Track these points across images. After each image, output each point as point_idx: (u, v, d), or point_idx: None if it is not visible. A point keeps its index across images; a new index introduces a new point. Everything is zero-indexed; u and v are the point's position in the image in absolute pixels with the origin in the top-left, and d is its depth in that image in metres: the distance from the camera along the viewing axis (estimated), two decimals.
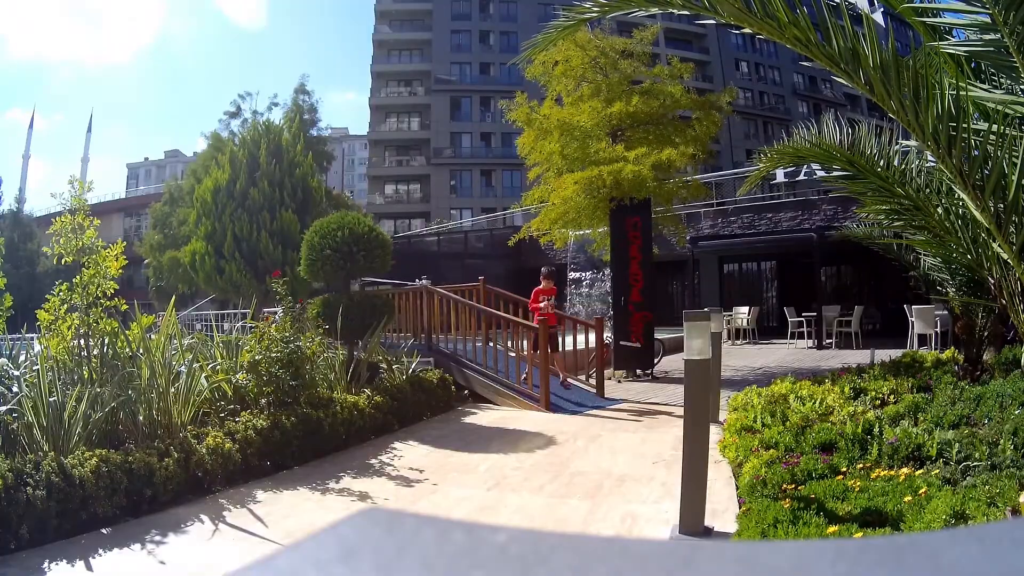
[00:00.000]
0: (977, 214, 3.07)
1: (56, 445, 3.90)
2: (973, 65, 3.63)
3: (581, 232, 11.50)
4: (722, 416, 5.69)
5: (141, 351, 4.75)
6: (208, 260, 18.99)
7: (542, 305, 8.04)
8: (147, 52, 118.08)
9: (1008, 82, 3.40)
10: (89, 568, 3.14)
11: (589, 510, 3.78)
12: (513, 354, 8.12)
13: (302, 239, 7.21)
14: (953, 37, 3.59)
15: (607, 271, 11.34)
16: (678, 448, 3.81)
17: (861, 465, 3.73)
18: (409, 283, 9.80)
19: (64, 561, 3.19)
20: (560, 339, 8.39)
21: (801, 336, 13.55)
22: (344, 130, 58.19)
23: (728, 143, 39.88)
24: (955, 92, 2.94)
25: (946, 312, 9.60)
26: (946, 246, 3.88)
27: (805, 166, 14.55)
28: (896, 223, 4.81)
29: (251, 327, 6.23)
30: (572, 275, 14.18)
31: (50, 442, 3.93)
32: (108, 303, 4.70)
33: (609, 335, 9.28)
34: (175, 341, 5.39)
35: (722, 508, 3.58)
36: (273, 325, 5.70)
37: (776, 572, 0.28)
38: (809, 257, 14.36)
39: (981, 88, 3.44)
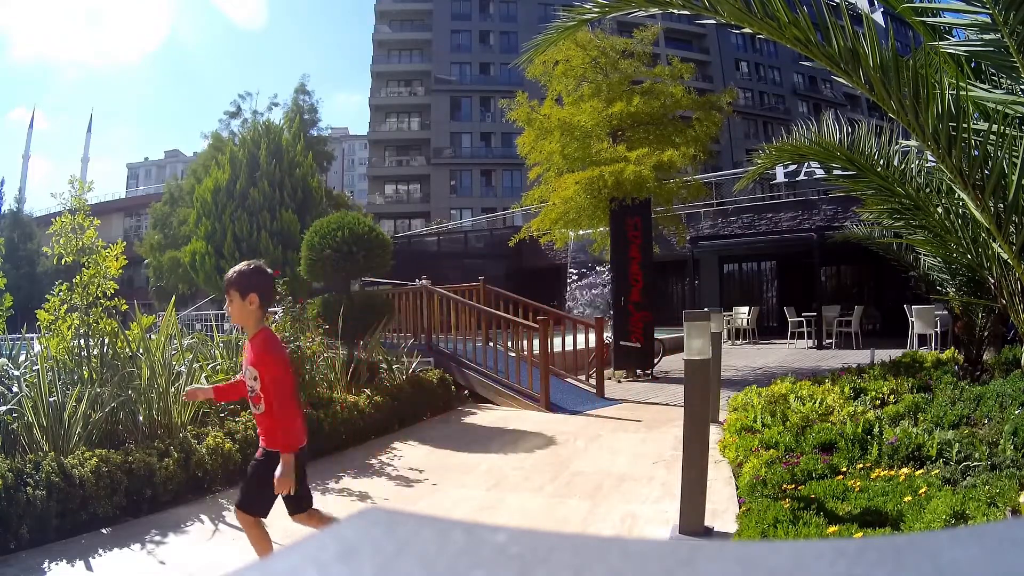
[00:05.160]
0: (977, 214, 3.07)
1: (56, 445, 3.90)
2: (973, 65, 3.63)
3: (581, 232, 11.51)
4: (722, 416, 5.69)
5: (141, 351, 4.75)
6: (208, 260, 18.97)
7: None
8: (148, 52, 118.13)
9: (1008, 82, 3.40)
10: (89, 568, 3.14)
11: (589, 510, 3.78)
12: (513, 354, 8.12)
13: (302, 239, 7.21)
14: (953, 37, 3.59)
15: (607, 271, 11.33)
16: (678, 448, 3.81)
17: (861, 465, 3.73)
18: (409, 283, 9.80)
19: (64, 561, 3.19)
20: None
21: (801, 336, 13.54)
22: (344, 130, 58.19)
23: (728, 143, 39.86)
24: (955, 92, 2.94)
25: (946, 312, 9.60)
26: (946, 246, 3.88)
27: (805, 165, 14.57)
28: (896, 223, 4.81)
29: None
30: (572, 275, 14.19)
31: (50, 442, 3.93)
32: (108, 303, 4.70)
33: (609, 335, 9.28)
34: (175, 341, 5.39)
35: (722, 508, 3.58)
36: (273, 325, 5.70)
37: (776, 572, 0.28)
38: (809, 257, 14.36)
39: (981, 88, 3.44)
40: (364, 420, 5.78)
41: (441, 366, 7.95)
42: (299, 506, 2.78)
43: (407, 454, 5.36)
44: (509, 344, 8.62)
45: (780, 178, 17.87)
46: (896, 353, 7.39)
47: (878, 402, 5.05)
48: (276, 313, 7.31)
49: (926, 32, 3.54)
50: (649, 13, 4.02)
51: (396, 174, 45.97)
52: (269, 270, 2.81)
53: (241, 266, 2.73)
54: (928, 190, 3.74)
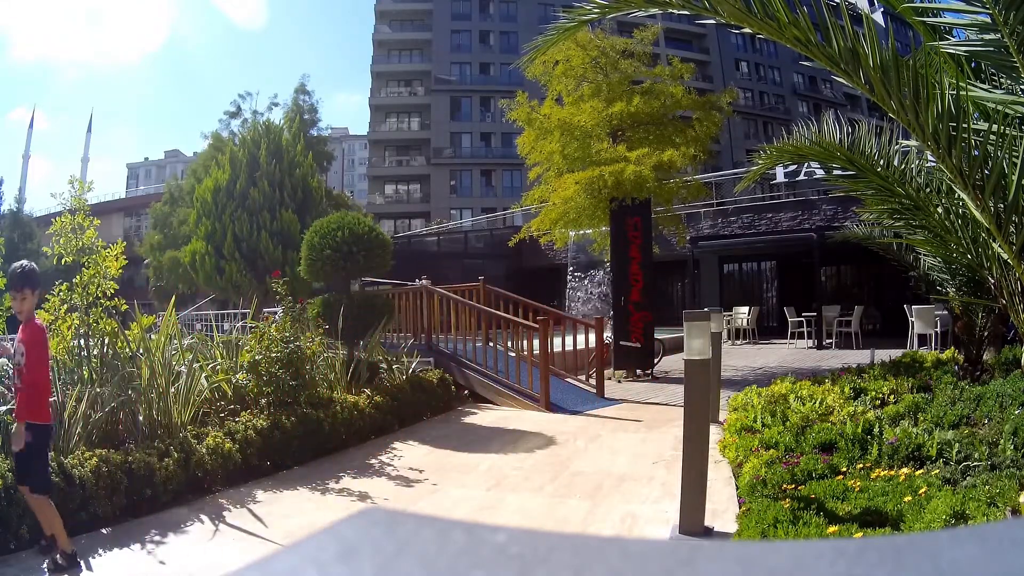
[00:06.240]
0: (977, 214, 3.07)
1: (56, 445, 3.90)
2: (973, 65, 3.63)
3: (581, 232, 11.51)
4: (722, 416, 5.69)
5: (141, 351, 4.75)
6: (208, 260, 18.97)
7: None
8: (148, 52, 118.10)
9: (1008, 82, 3.39)
10: (89, 568, 3.14)
11: (589, 510, 3.78)
12: (513, 354, 8.12)
13: (302, 239, 7.22)
14: (953, 37, 3.59)
15: (607, 271, 11.34)
16: (678, 448, 3.81)
17: (861, 465, 3.73)
18: (409, 283, 9.80)
19: None
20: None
21: (801, 336, 13.54)
22: (344, 130, 58.18)
23: (728, 143, 39.84)
24: (955, 92, 2.94)
25: (946, 312, 9.60)
26: (946, 246, 3.88)
27: (805, 165, 14.56)
28: (896, 223, 4.81)
29: (251, 327, 6.23)
30: (572, 275, 14.19)
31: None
32: (108, 303, 4.70)
33: (609, 335, 9.28)
34: (175, 341, 5.39)
35: (722, 508, 3.58)
36: (273, 325, 5.70)
37: (776, 572, 0.28)
38: (809, 257, 14.35)
39: (981, 88, 3.44)
40: (364, 420, 5.78)
41: (441, 366, 7.95)
42: (35, 484, 3.15)
43: (407, 454, 5.36)
44: (509, 344, 8.62)
45: (780, 178, 17.86)
46: (896, 353, 7.39)
47: (878, 402, 5.04)
48: (276, 313, 7.31)
49: (926, 32, 3.54)
50: (649, 13, 4.02)
51: (396, 174, 45.95)
52: (32, 265, 3.33)
53: (14, 268, 3.27)
54: (928, 190, 3.74)
